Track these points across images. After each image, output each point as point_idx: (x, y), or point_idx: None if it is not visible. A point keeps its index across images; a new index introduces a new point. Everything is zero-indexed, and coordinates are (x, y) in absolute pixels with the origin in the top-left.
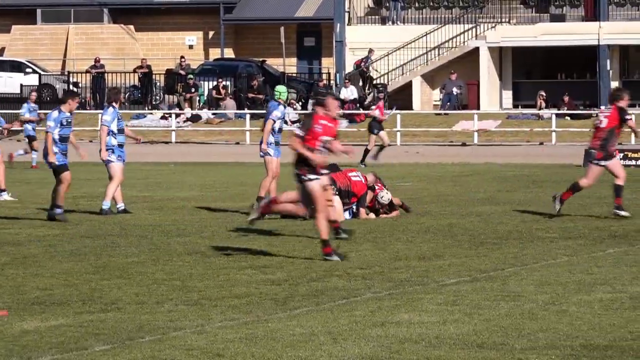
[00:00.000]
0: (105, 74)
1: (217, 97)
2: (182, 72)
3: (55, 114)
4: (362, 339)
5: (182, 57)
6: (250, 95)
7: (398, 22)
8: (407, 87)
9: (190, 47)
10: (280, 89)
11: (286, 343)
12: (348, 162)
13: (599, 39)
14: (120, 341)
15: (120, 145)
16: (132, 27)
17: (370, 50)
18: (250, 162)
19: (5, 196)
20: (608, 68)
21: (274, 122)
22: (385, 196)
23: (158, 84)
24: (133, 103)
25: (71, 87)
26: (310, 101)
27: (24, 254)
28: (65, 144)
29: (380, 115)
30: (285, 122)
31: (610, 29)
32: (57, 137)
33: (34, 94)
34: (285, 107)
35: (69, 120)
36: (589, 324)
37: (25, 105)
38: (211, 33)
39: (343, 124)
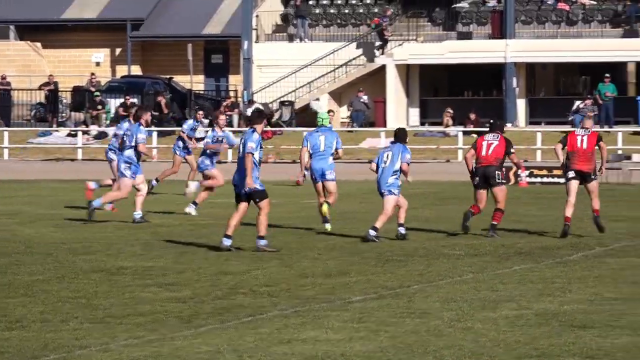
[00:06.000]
0: (11, 91)
1: (124, 114)
2: (93, 89)
3: None
4: (268, 357)
5: (92, 74)
6: (157, 112)
7: (305, 40)
8: None
9: (97, 64)
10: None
11: None
12: None
13: (505, 57)
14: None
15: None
16: (38, 44)
17: (386, 10)
18: None
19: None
20: (514, 86)
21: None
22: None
23: (64, 101)
24: (39, 120)
25: None
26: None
27: None
28: None
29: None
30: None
31: (516, 47)
32: None
33: None
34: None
35: None
36: (494, 341)
37: None
38: (118, 50)
39: None
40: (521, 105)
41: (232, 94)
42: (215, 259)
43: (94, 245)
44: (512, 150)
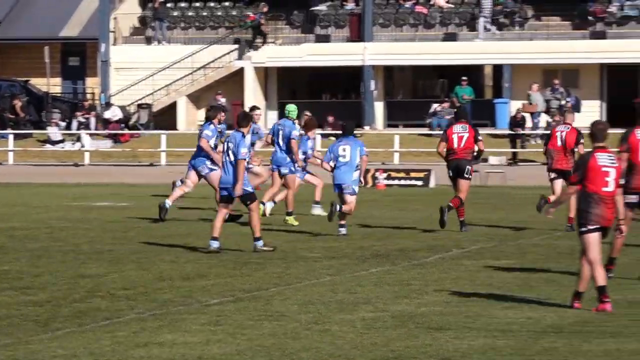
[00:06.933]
0: None
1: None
2: None
3: None
4: None
5: None
6: (13, 115)
7: (164, 42)
8: (172, 107)
9: None
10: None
11: None
12: None
13: (363, 60)
14: None
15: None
16: None
17: (264, 5)
18: (14, 183)
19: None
20: (372, 88)
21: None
22: None
23: None
24: None
25: None
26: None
27: None
28: None
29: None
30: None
31: (374, 50)
32: None
33: None
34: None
35: None
36: (351, 343)
37: None
38: None
39: (107, 145)
40: (379, 107)
41: (89, 96)
42: (72, 262)
43: None
44: (479, 138)
